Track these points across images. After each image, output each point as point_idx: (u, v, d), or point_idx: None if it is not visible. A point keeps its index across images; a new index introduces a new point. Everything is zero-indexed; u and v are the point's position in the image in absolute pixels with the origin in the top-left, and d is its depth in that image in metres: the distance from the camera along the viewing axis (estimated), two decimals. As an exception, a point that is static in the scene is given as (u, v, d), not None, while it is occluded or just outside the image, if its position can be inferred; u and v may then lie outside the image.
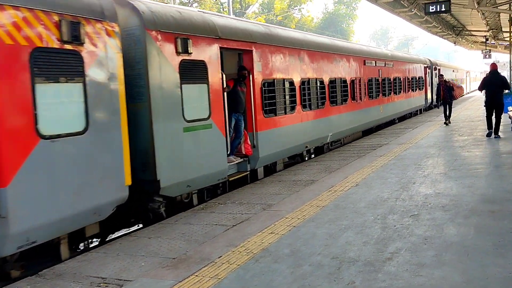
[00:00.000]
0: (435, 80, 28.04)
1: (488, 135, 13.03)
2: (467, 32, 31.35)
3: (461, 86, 36.57)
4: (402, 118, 23.04)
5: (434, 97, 25.18)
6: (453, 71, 39.39)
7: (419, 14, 20.89)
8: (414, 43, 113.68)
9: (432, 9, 15.54)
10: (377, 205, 6.88)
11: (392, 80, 20.08)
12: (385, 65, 19.04)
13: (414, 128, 18.07)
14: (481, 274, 4.18)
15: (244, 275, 4.68)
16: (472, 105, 28.66)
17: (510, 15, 19.53)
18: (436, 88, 19.52)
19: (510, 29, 21.89)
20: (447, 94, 17.76)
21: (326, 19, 69.19)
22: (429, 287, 4.03)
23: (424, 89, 27.04)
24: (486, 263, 4.43)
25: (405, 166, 9.78)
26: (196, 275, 4.79)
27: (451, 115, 18.16)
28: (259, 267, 4.85)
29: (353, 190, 7.95)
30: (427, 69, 27.76)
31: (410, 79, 23.34)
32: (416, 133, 15.98)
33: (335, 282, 4.32)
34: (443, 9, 15.47)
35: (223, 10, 46.92)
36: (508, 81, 21.60)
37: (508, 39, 24.07)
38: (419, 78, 25.38)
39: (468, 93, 50.81)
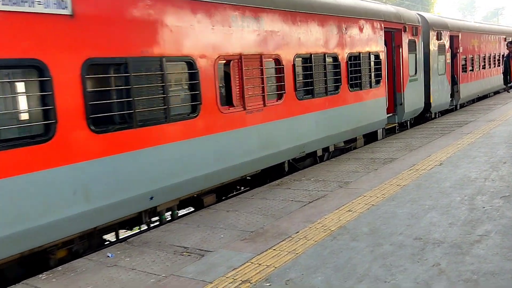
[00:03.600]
0: (439, 60, 15.19)
1: None
2: None
3: None
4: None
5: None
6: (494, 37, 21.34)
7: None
8: (504, 12, 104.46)
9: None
10: (464, 185, 6.49)
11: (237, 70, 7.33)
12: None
13: (504, 104, 16.70)
14: None
15: (322, 252, 4.64)
16: None
17: None
18: (503, 63, 11.66)
19: None
20: None
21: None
22: (525, 274, 3.74)
23: (384, 84, 11.79)
24: None
25: (495, 145, 9.11)
26: (274, 249, 4.84)
27: None
28: (337, 245, 4.79)
29: (437, 169, 7.54)
30: (402, 34, 12.54)
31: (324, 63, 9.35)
32: (507, 109, 14.79)
33: (418, 263, 4.14)
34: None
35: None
36: None
37: None
38: (363, 57, 10.74)
39: None
